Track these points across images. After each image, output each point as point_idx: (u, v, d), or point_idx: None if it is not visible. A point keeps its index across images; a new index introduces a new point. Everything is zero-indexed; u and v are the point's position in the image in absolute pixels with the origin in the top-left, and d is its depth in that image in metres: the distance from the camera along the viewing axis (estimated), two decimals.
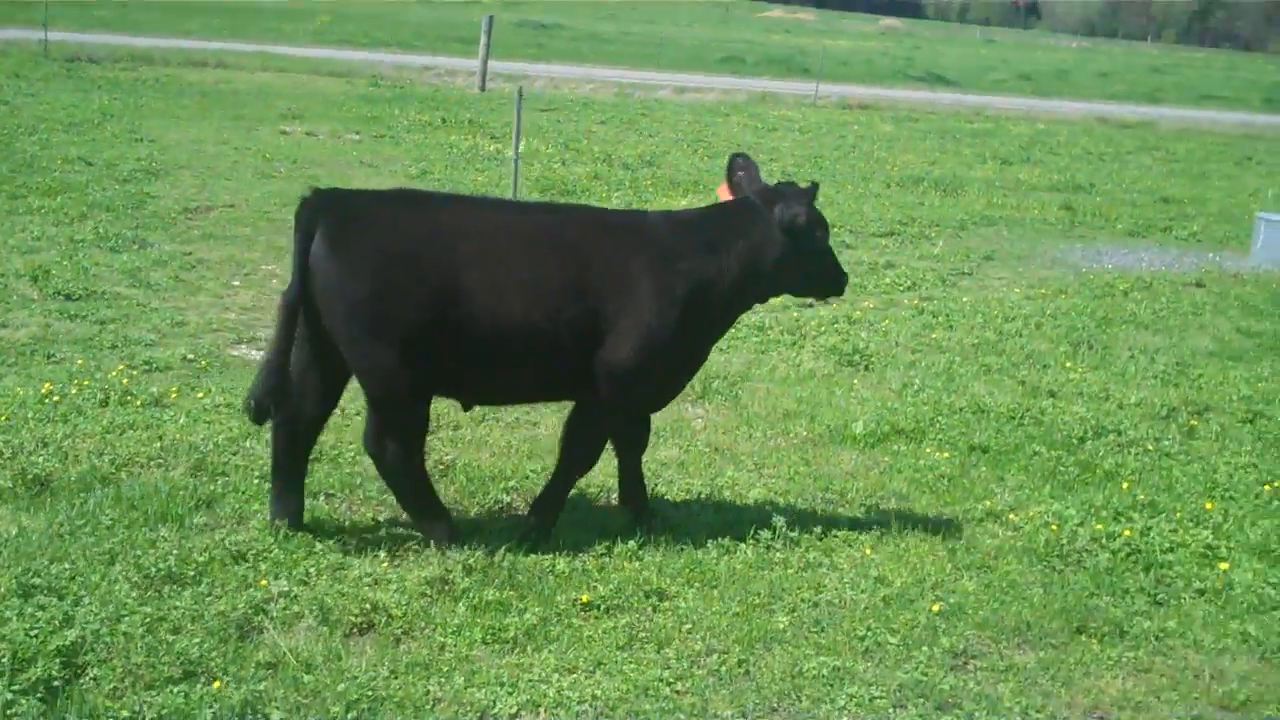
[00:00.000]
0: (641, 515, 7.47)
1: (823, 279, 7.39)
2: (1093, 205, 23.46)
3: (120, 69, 31.09)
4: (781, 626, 6.35)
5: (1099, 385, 11.46)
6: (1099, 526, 7.78)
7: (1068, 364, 12.16)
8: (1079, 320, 14.16)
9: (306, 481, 7.53)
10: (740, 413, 9.78)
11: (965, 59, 66.00)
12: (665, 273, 6.78)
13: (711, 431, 9.28)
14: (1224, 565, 7.41)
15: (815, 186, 7.14)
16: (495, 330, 6.46)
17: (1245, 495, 8.71)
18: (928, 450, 9.28)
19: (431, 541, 6.90)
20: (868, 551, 7.29)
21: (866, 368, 11.56)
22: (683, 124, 30.20)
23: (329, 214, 6.45)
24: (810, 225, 7.05)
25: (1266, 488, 8.80)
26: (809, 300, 12.77)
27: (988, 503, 8.30)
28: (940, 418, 10.06)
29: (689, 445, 9.01)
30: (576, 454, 7.10)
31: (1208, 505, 8.31)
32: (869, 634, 6.33)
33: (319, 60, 35.89)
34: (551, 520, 7.19)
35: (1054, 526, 7.78)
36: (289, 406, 6.72)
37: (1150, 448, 9.69)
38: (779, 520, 7.34)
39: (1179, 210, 23.96)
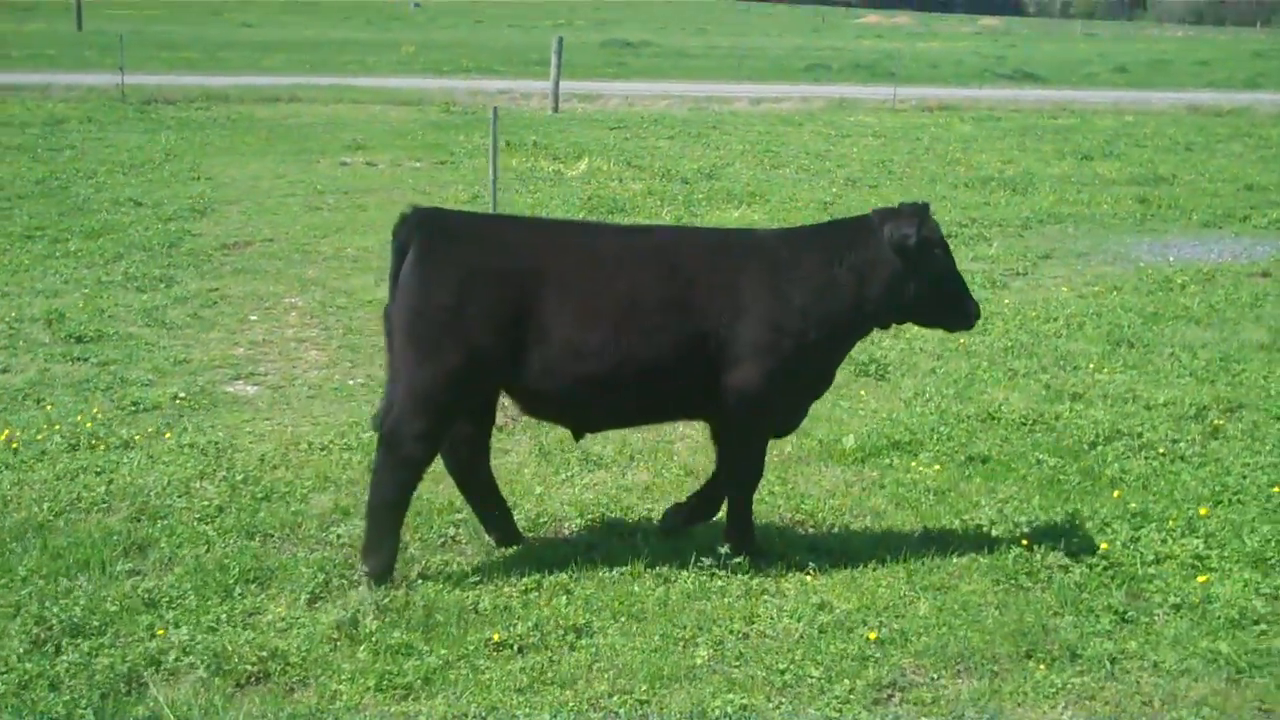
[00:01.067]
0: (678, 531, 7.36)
1: (943, 308, 7.05)
2: (1170, 197, 22.64)
3: (195, 108, 31.37)
4: (700, 661, 5.99)
5: (1128, 386, 10.91)
6: (1076, 540, 7.29)
7: (1101, 365, 11.61)
8: (1125, 318, 13.56)
9: (248, 520, 7.36)
10: None
11: (1060, 54, 64.76)
12: (779, 285, 6.63)
13: (692, 453, 8.92)
14: (1203, 578, 6.90)
15: (926, 206, 6.84)
16: (590, 353, 6.43)
17: (1254, 499, 8.18)
18: (919, 464, 8.84)
19: (361, 566, 6.70)
20: (808, 578, 6.89)
21: (882, 377, 11.12)
22: (752, 135, 29.77)
23: (424, 230, 6.50)
24: (923, 246, 6.73)
25: (1276, 490, 8.24)
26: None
27: (967, 518, 7.85)
28: (944, 428, 9.61)
29: (662, 468, 8.66)
30: (739, 475, 7.04)
31: (1202, 511, 7.79)
32: (791, 667, 5.94)
33: (393, 90, 35.99)
34: (749, 543, 7.05)
35: (1024, 542, 7.31)
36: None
37: (1163, 451, 9.16)
38: (724, 546, 6.96)
39: (1263, 198, 23.03)
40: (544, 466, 8.55)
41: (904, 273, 6.75)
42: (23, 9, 74.78)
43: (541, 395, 6.61)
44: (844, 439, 9.15)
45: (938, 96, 38.68)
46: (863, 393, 10.56)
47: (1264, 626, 6.52)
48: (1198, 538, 7.44)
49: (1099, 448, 9.24)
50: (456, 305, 6.33)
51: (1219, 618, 6.56)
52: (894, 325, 7.17)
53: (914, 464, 8.83)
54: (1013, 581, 6.95)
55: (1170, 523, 7.67)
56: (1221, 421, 9.93)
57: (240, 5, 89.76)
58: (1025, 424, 9.78)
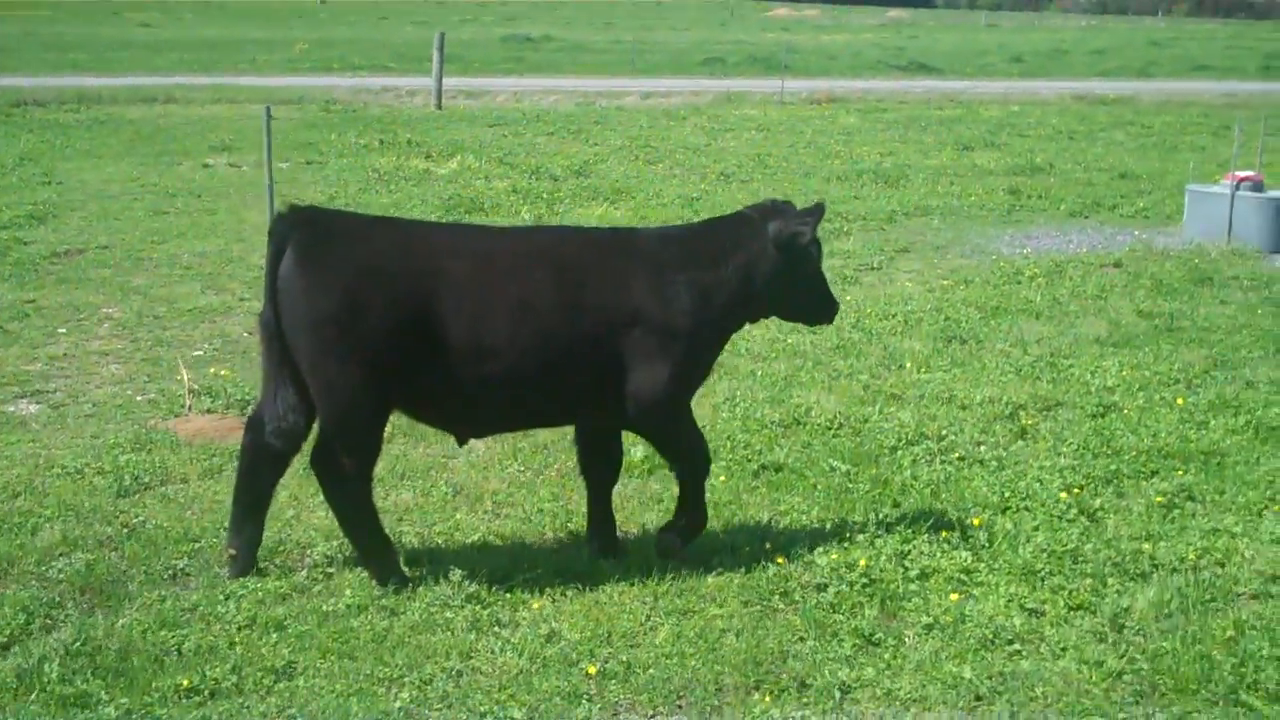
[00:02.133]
0: (609, 553, 7.13)
1: (812, 304, 7.22)
2: (1043, 187, 22.54)
3: (65, 110, 30.49)
4: (400, 704, 5.58)
5: (947, 385, 10.64)
6: (835, 556, 6.96)
7: (926, 363, 11.34)
8: (965, 313, 13.33)
9: None
10: (509, 444, 8.96)
11: (959, 45, 64.77)
12: (666, 286, 6.61)
13: (466, 470, 8.51)
14: (955, 595, 6.58)
15: (821, 206, 7.00)
16: (480, 355, 6.33)
17: (1042, 505, 7.88)
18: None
19: (374, 578, 6.58)
20: (537, 605, 6.49)
21: None
22: (634, 130, 29.33)
23: (301, 230, 6.33)
24: (808, 244, 6.90)
25: (1064, 495, 7.96)
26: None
27: (738, 533, 7.50)
28: (744, 434, 9.26)
29: (431, 489, 8.22)
30: (686, 459, 7.01)
31: (975, 521, 7.48)
32: (494, 708, 5.55)
33: (275, 89, 35.18)
34: (702, 524, 7.16)
35: (780, 559, 6.96)
36: (256, 429, 6.59)
37: (960, 455, 8.87)
38: (457, 573, 6.56)
39: (1134, 186, 22.96)
40: (305, 487, 8.07)
41: (784, 269, 6.84)
42: None
43: (432, 401, 6.55)
44: (632, 450, 8.75)
45: (827, 89, 38.46)
46: None
47: (1017, 646, 6.21)
48: (969, 549, 7.13)
49: (898, 452, 8.94)
50: (349, 309, 6.18)
51: (970, 638, 6.24)
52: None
53: None
54: (765, 603, 6.60)
55: (945, 533, 7.35)
56: (1032, 421, 9.69)
57: (143, 5, 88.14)
58: (831, 428, 9.47)
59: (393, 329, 6.21)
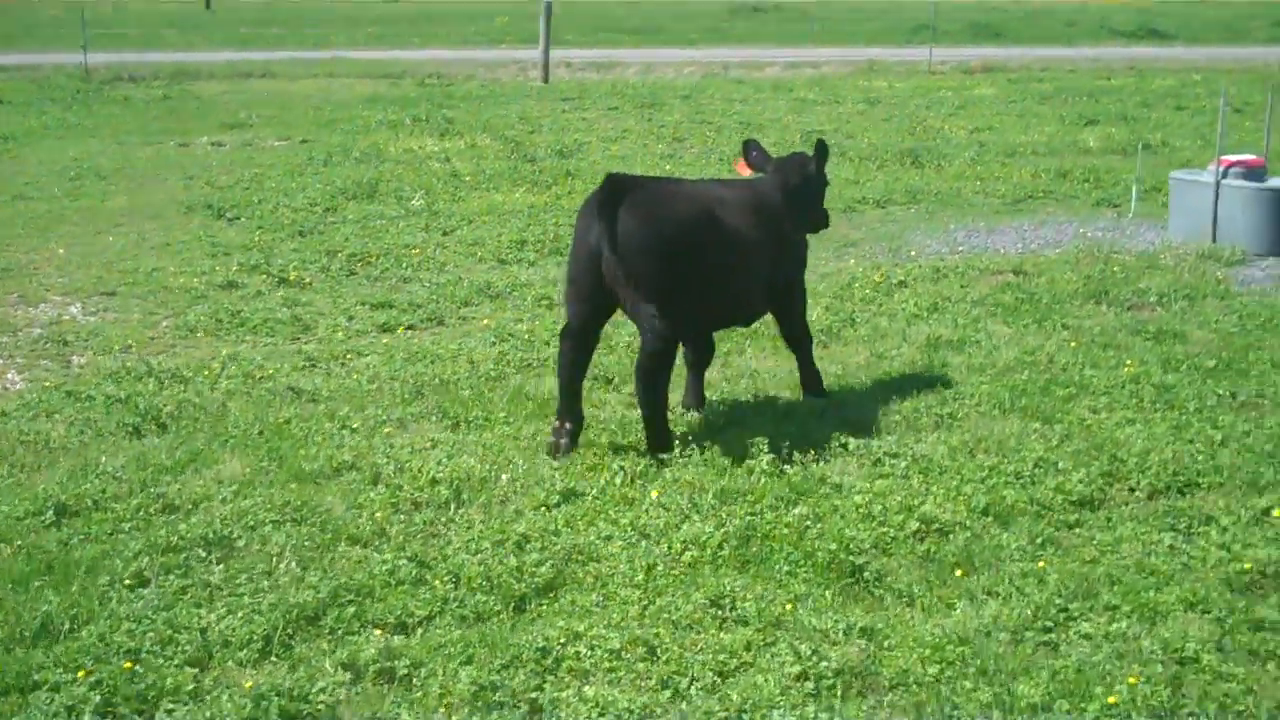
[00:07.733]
0: (699, 409, 8.85)
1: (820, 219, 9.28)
2: (1108, 168, 18.82)
3: (153, 86, 29.72)
4: None
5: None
6: None
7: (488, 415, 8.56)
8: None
9: None
10: None
11: (1238, 10, 58.32)
12: (794, 216, 8.83)
13: None
14: None
15: (822, 143, 9.06)
16: (728, 271, 8.19)
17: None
18: None
19: (652, 444, 7.90)
20: None
21: None
22: (711, 104, 26.48)
23: (633, 193, 7.83)
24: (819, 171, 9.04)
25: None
26: None
27: None
28: None
29: None
30: (807, 332, 9.12)
31: None
32: None
33: (384, 62, 33.76)
34: (821, 388, 9.08)
35: None
36: (572, 337, 8.03)
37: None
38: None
39: None
40: None
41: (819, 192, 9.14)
42: None
43: (703, 308, 8.18)
44: None
45: (986, 57, 34.47)
46: None
47: None
48: None
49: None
50: (680, 249, 7.82)
51: None
52: None
53: None
54: None
55: None
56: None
57: None
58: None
59: (698, 256, 7.90)
